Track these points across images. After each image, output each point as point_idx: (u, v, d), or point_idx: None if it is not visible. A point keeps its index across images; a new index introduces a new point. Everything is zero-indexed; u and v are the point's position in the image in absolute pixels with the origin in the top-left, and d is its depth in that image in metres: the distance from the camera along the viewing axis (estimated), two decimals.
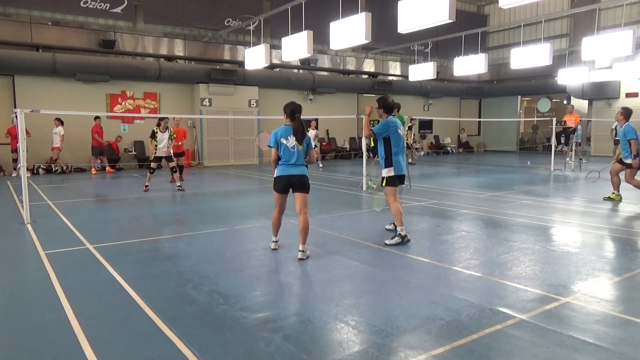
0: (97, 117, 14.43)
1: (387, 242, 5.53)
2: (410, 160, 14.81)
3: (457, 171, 14.87)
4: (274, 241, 5.41)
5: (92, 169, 14.77)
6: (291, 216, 6.05)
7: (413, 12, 8.58)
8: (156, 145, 10.39)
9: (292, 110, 4.97)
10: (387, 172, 5.63)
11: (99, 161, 14.91)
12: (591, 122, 21.04)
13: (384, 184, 5.66)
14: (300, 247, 5.04)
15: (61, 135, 13.97)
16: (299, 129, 4.92)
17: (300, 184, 4.99)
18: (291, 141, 4.92)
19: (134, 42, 16.48)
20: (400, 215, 5.50)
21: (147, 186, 10.41)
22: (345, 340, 3.12)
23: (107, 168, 14.94)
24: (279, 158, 5.00)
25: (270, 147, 5.01)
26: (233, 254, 5.34)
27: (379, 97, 5.79)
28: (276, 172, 5.04)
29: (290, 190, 5.07)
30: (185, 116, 17.07)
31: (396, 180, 5.64)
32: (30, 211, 7.06)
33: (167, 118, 10.59)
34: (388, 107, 5.67)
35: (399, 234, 5.51)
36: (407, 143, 13.08)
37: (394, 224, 5.62)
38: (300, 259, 4.99)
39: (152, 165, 10.51)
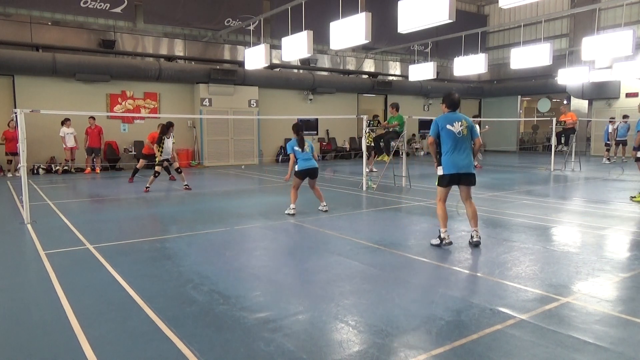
0: (90, 117, 14.46)
1: (432, 241, 5.56)
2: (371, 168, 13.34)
3: None
4: (293, 208, 7.42)
5: (95, 169, 14.89)
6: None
7: (413, 12, 8.59)
8: (161, 151, 10.59)
9: (298, 129, 7.57)
10: (439, 171, 5.49)
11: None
12: (591, 122, 21.05)
13: (437, 183, 5.54)
14: (322, 206, 7.73)
15: (75, 134, 14.31)
16: (302, 141, 7.49)
17: (314, 174, 7.62)
18: (303, 148, 7.43)
19: (134, 42, 16.47)
20: (443, 218, 5.44)
21: (147, 187, 10.46)
22: (345, 340, 3.12)
23: (86, 169, 14.78)
24: (296, 159, 7.44)
25: (289, 153, 7.52)
26: (233, 254, 5.34)
27: (446, 93, 5.67)
28: (298, 167, 7.42)
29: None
30: (185, 116, 17.10)
31: (445, 180, 5.42)
32: (30, 211, 7.06)
33: (173, 125, 10.69)
34: (450, 103, 5.58)
35: (439, 235, 5.47)
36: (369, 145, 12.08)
37: (439, 237, 5.47)
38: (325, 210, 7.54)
39: (157, 169, 10.56)
